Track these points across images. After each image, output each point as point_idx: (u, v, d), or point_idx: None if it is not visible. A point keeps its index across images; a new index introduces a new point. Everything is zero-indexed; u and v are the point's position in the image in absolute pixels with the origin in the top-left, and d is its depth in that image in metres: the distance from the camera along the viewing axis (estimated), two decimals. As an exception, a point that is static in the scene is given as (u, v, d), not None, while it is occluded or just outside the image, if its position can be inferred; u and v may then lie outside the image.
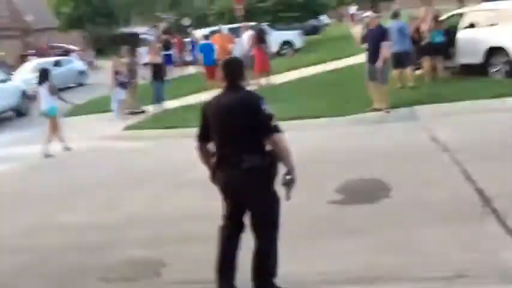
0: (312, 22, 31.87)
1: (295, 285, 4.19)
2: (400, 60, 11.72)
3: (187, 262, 4.91)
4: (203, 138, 4.12)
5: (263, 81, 14.90)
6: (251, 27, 17.03)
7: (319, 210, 5.76)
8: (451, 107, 10.16)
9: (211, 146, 4.11)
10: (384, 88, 10.28)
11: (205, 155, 4.13)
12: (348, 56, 18.14)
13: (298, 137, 8.28)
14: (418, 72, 12.67)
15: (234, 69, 4.07)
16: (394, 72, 11.76)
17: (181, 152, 9.49)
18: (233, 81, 4.01)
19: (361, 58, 19.17)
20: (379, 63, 9.96)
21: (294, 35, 22.82)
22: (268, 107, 3.89)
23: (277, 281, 4.04)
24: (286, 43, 22.14)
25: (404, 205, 5.62)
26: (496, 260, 4.27)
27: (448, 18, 13.28)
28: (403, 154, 7.41)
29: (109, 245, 5.57)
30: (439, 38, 12.37)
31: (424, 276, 4.22)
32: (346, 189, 6.27)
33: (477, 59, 12.40)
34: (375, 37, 10.17)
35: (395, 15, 12.16)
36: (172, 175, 7.83)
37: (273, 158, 3.92)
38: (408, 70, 12.21)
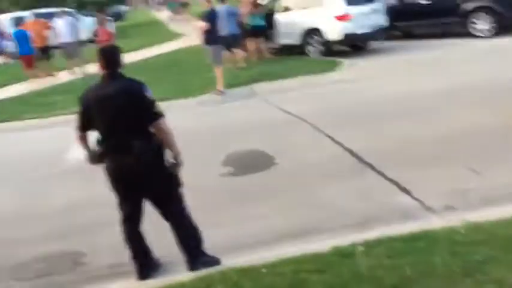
0: (116, 8, 31.11)
1: (219, 250, 4.26)
2: (229, 43, 12.34)
3: (103, 249, 4.74)
4: (83, 128, 4.03)
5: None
6: (64, 13, 16.13)
7: (215, 184, 5.96)
8: (284, 83, 11.08)
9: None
10: (218, 69, 10.74)
11: (86, 143, 4.08)
12: (169, 41, 18.35)
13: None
14: (243, 54, 13.41)
15: (113, 57, 3.98)
16: (226, 54, 12.33)
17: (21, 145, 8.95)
18: (114, 70, 3.94)
19: (182, 43, 19.73)
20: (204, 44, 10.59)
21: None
22: (150, 93, 3.94)
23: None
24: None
25: (292, 169, 6.12)
26: (391, 204, 4.96)
27: (267, 2, 14.26)
28: (267, 126, 7.94)
29: (13, 243, 5.11)
30: (259, 22, 13.27)
31: (337, 225, 4.69)
32: (231, 162, 6.57)
33: (295, 40, 13.61)
34: (207, 20, 10.60)
35: (223, 0, 12.70)
36: (29, 169, 7.38)
37: (159, 140, 3.98)
38: (237, 52, 12.90)
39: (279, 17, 13.81)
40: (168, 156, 4.01)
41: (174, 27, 24.62)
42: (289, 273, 3.45)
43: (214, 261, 4.09)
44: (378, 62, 12.37)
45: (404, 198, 5.02)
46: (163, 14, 34.27)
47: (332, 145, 6.71)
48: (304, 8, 13.54)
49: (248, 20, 13.28)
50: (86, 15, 22.17)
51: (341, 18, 12.78)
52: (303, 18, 13.38)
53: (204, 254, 4.13)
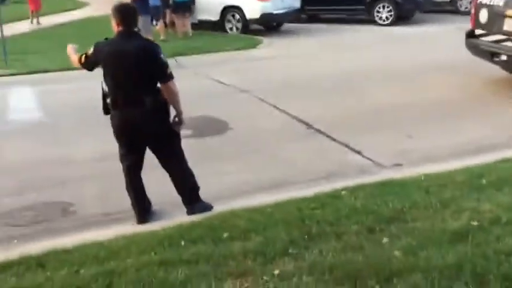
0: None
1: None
2: (152, 15, 12.47)
3: (92, 198, 4.98)
4: (87, 68, 4.35)
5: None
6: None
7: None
8: (209, 57, 11.51)
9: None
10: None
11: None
12: (73, 9, 17.87)
13: (79, 86, 8.54)
14: (163, 27, 13.56)
15: (130, 15, 4.22)
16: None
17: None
18: (130, 28, 4.18)
19: (89, 11, 19.20)
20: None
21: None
22: (163, 55, 4.24)
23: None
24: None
25: (248, 133, 6.59)
26: (346, 161, 5.64)
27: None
28: (207, 96, 8.33)
29: (2, 193, 5.12)
30: (184, -4, 13.49)
31: (304, 179, 5.24)
32: (189, 127, 6.92)
33: (214, 16, 14.01)
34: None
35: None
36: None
37: (165, 98, 4.30)
38: (159, 24, 13.05)
39: (199, -7, 14.09)
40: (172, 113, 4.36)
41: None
42: (294, 210, 3.99)
43: (209, 207, 4.49)
44: (293, 42, 13.18)
45: (356, 157, 5.73)
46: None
47: (278, 113, 7.30)
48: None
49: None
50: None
51: (260, -2, 13.38)
52: (222, -6, 13.79)
53: (200, 199, 4.52)
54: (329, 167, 5.50)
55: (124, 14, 4.20)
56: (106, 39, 4.28)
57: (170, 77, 4.23)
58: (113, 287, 3.10)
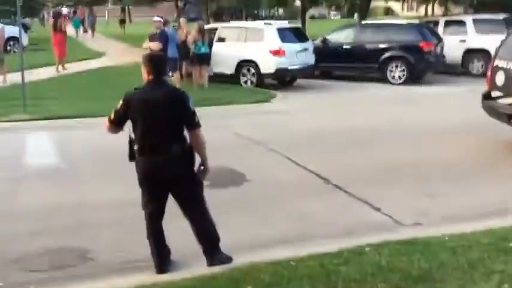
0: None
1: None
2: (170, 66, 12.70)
3: (109, 245, 4.94)
4: (117, 124, 4.35)
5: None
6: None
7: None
8: (225, 109, 11.63)
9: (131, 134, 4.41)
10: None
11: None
12: (91, 58, 18.26)
13: (96, 133, 8.61)
14: (179, 78, 13.78)
15: (160, 65, 4.35)
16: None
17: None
18: (159, 77, 4.29)
19: (103, 61, 19.62)
20: None
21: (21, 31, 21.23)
22: (192, 103, 4.31)
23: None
24: (12, 39, 20.55)
25: (265, 185, 6.57)
26: (366, 218, 5.60)
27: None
28: (224, 147, 8.30)
29: (5, 238, 5.08)
30: (204, 49, 13.75)
31: (325, 234, 5.09)
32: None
33: (230, 69, 14.25)
34: (161, 40, 11.03)
35: (165, 23, 13.07)
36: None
37: (191, 146, 4.38)
38: (175, 75, 13.27)
39: (215, 47, 14.36)
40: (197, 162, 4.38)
41: (91, 44, 24.34)
42: (317, 265, 3.93)
43: (228, 259, 4.44)
44: (308, 97, 13.35)
45: (376, 214, 5.68)
46: (68, 30, 33.48)
47: (295, 166, 7.31)
48: (239, 41, 14.25)
49: (193, 47, 13.61)
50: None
51: (275, 53, 13.63)
52: (239, 49, 14.07)
53: (220, 250, 4.47)
54: (348, 222, 5.47)
55: (155, 63, 4.31)
56: (136, 89, 4.35)
57: (198, 125, 4.29)
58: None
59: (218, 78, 14.27)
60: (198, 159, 4.40)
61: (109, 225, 5.31)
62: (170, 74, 13.01)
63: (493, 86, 8.03)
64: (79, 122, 10.16)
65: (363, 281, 3.58)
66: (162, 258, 4.43)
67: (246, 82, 14.14)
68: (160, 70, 4.31)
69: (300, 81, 15.30)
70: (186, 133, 4.35)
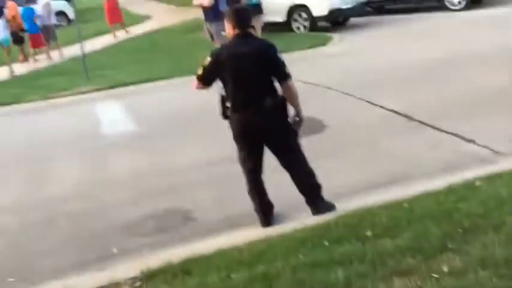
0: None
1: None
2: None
3: (210, 204, 4.95)
4: (206, 80, 4.26)
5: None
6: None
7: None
8: (285, 57, 11.39)
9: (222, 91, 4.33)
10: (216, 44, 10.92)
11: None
12: (138, 23, 18.26)
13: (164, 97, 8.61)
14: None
15: (245, 18, 4.22)
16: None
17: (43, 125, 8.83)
18: (246, 30, 4.16)
19: (153, 24, 19.60)
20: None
21: (65, 5, 21.47)
22: (281, 55, 4.20)
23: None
24: (60, 13, 20.74)
25: (346, 130, 6.45)
26: (461, 151, 5.38)
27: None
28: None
29: (109, 206, 5.19)
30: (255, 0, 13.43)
31: (421, 173, 4.92)
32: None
33: (281, 17, 13.93)
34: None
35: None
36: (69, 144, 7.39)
37: (284, 98, 4.28)
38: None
39: (264, -5, 14.00)
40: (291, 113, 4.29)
41: (135, 9, 24.27)
42: (434, 204, 3.83)
43: (333, 206, 4.39)
44: (365, 36, 12.92)
45: (471, 146, 5.47)
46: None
47: (372, 107, 7.11)
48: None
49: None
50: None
51: (327, -6, 13.21)
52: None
53: (323, 199, 4.42)
54: (444, 158, 5.29)
55: (240, 17, 4.19)
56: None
57: (289, 76, 4.18)
58: (273, 290, 3.03)
59: (270, 28, 13.99)
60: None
61: (205, 185, 5.32)
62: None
63: None
64: (144, 88, 10.21)
65: (489, 216, 3.45)
66: (267, 212, 4.42)
67: (298, 28, 13.81)
68: (246, 23, 4.18)
69: (352, 21, 14.82)
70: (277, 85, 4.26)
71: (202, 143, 6.50)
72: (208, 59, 4.23)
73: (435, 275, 2.88)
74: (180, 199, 5.14)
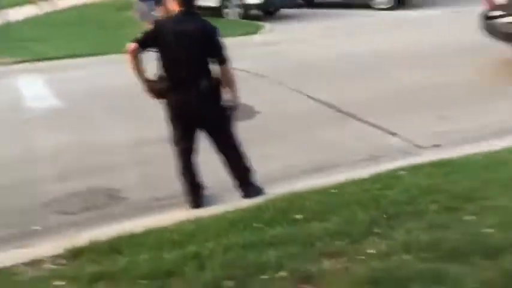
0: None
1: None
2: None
3: (139, 184, 4.87)
4: (142, 45, 4.09)
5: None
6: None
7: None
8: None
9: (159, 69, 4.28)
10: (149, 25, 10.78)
11: (137, 61, 4.10)
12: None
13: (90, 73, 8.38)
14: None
15: None
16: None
17: None
18: (190, 8, 4.11)
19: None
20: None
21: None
22: (221, 38, 4.18)
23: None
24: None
25: (277, 117, 6.56)
26: (385, 144, 5.62)
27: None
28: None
29: (32, 182, 4.99)
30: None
31: (349, 161, 5.12)
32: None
33: (214, 2, 13.86)
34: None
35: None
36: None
37: (219, 81, 4.27)
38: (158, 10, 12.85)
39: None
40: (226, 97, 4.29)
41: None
42: (361, 191, 3.97)
43: (262, 190, 4.45)
44: (295, 27, 13.15)
45: (394, 139, 5.71)
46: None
47: (302, 97, 7.26)
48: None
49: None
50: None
51: (261, -17, 13.28)
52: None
53: (253, 183, 4.47)
54: (369, 149, 5.48)
55: None
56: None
57: (228, 59, 4.17)
58: (205, 270, 3.04)
59: (202, 12, 13.87)
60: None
61: (133, 165, 5.23)
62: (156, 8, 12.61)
63: (492, 5, 7.98)
64: (69, 63, 9.86)
65: (413, 203, 3.63)
66: (197, 194, 4.42)
67: (228, 14, 13.80)
68: (191, 1, 4.13)
69: (283, 11, 15.01)
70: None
71: (130, 122, 6.38)
72: (151, 26, 4.17)
73: (362, 257, 2.99)
74: (108, 178, 5.03)
